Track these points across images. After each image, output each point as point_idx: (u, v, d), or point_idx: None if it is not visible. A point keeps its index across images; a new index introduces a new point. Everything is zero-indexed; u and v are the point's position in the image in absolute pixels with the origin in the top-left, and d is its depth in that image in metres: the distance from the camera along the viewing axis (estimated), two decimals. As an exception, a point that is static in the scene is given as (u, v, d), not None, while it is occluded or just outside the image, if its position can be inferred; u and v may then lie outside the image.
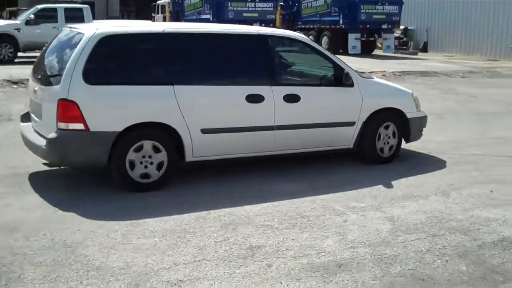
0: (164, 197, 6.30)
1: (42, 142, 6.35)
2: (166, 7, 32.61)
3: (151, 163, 6.45)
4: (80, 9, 21.59)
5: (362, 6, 27.21)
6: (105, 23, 7.66)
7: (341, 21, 27.55)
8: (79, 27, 7.06)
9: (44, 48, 7.47)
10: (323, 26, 28.75)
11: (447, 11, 31.10)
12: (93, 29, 6.51)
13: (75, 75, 6.13)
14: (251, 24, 25.08)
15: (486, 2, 28.58)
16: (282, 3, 32.27)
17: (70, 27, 7.20)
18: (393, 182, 7.06)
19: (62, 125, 6.15)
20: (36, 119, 6.82)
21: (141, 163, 6.40)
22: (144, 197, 6.24)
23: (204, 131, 6.69)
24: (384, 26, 27.55)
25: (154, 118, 6.46)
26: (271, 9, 25.87)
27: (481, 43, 29.03)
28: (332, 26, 28.12)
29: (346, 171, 7.64)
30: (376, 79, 8.74)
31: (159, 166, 6.49)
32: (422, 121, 8.45)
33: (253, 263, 4.64)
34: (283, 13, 32.80)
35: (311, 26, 30.62)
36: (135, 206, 5.96)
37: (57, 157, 6.35)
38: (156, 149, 6.46)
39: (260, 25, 25.19)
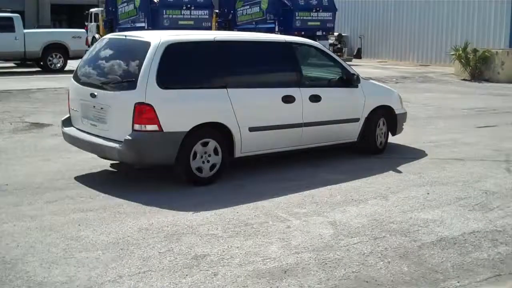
0: (104, 210, 6.20)
1: (114, 144, 6.83)
2: (100, 16, 32.13)
3: (208, 161, 7.14)
4: (10, 18, 21.07)
5: (297, 13, 27.52)
6: (160, 32, 8.35)
7: (276, 28, 27.77)
8: (138, 35, 7.66)
9: (89, 55, 7.86)
10: (259, 34, 28.90)
11: (379, 18, 31.82)
12: (157, 37, 7.08)
13: (150, 80, 6.71)
14: (187, 32, 25.11)
15: (416, 10, 29.38)
16: (217, 11, 32.34)
17: (125, 36, 7.79)
18: (332, 187, 7.18)
19: (138, 127, 6.70)
20: (94, 122, 7.21)
21: (201, 157, 7.06)
22: (83, 210, 6.13)
23: (251, 129, 7.45)
24: (319, 33, 27.90)
25: (213, 118, 7.19)
26: (207, 16, 25.82)
27: (412, 49, 29.82)
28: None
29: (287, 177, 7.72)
30: (372, 81, 9.95)
31: (212, 167, 7.19)
32: (404, 116, 9.72)
33: (199, 272, 4.62)
34: (219, 20, 32.86)
35: (247, 34, 30.76)
36: (74, 220, 5.84)
37: (134, 157, 6.86)
38: (216, 151, 7.17)
39: (196, 33, 25.28)
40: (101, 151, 7.23)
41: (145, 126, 6.70)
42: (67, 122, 7.86)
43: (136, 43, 7.31)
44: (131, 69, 6.92)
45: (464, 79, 21.45)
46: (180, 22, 24.96)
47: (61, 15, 52.50)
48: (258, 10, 29.90)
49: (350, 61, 30.33)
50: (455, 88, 19.34)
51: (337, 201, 6.61)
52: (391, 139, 9.55)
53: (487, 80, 21.13)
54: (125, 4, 28.02)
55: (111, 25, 29.68)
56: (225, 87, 7.29)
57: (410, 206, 6.48)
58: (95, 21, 32.77)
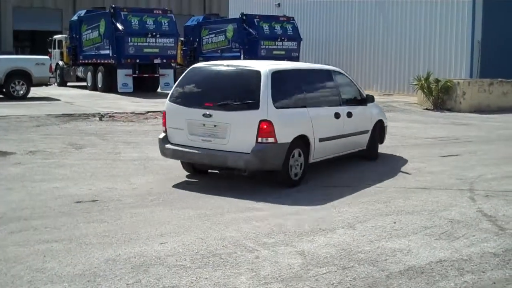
0: (69, 241, 6.09)
1: (240, 154, 8.41)
2: (63, 42, 31.89)
3: (299, 165, 8.95)
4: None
5: (262, 42, 27.83)
6: (260, 62, 10.20)
7: (242, 57, 27.94)
8: (243, 65, 9.35)
9: (188, 81, 9.21)
10: (226, 62, 29.02)
11: (343, 47, 32.24)
12: (262, 67, 8.85)
13: (269, 101, 8.43)
14: (152, 60, 25.12)
15: (379, 40, 29.87)
16: (182, 39, 32.44)
17: (228, 65, 9.28)
18: (300, 217, 7.18)
19: (261, 140, 8.37)
20: (207, 138, 8.68)
21: (296, 165, 8.88)
22: (48, 241, 6.02)
23: (320, 140, 9.32)
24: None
25: (303, 131, 8.97)
26: (172, 44, 25.83)
27: (376, 78, 30.25)
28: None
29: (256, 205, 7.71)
30: None
31: (300, 166, 8.98)
32: (387, 128, 12.06)
33: (168, 305, 4.56)
34: (184, 48, 32.98)
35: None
36: (39, 251, 5.72)
37: (258, 164, 8.47)
38: (299, 154, 8.91)
39: (162, 60, 25.30)
40: (223, 161, 8.57)
41: (266, 139, 8.38)
42: (165, 140, 9.15)
43: (246, 71, 9.00)
44: (249, 93, 8.56)
45: (427, 109, 21.81)
46: (145, 50, 24.93)
47: (23, 41, 52.04)
48: (224, 39, 30.13)
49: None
50: (418, 117, 19.64)
51: (305, 231, 6.62)
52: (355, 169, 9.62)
53: (449, 110, 21.53)
54: (90, 31, 27.91)
55: (75, 52, 29.51)
56: (305, 106, 9.21)
57: (377, 235, 6.52)
58: (58, 48, 32.46)
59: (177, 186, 8.74)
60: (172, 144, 9.02)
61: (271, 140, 8.37)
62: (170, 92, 9.40)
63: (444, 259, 5.77)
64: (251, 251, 5.88)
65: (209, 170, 9.54)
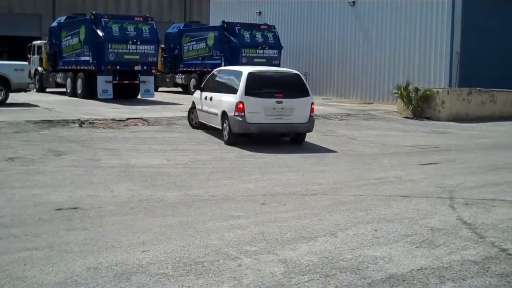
0: (50, 248, 6.04)
1: (303, 124, 14.10)
2: (43, 48, 31.65)
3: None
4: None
5: (243, 50, 27.89)
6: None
7: (223, 65, 27.93)
8: (287, 70, 15.84)
9: (260, 82, 14.14)
10: (204, 69, 29.03)
11: (324, 56, 32.41)
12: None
13: (311, 91, 14.72)
14: (132, 67, 25.00)
15: (359, 49, 30.07)
16: (163, 46, 32.38)
17: (276, 71, 15.84)
18: (282, 225, 7.19)
19: (311, 114, 14.16)
20: (279, 116, 13.80)
21: None
22: (28, 249, 5.96)
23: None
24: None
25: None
26: (153, 51, 25.70)
27: (356, 87, 30.42)
28: (209, 69, 28.39)
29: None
30: None
31: None
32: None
33: (150, 313, 4.54)
34: (164, 55, 32.93)
35: (193, 69, 30.92)
36: (20, 259, 5.67)
37: (311, 127, 14.34)
38: None
39: (142, 67, 25.20)
40: (293, 128, 14.20)
41: (313, 113, 14.19)
42: (245, 122, 13.58)
43: (292, 74, 14.75)
44: (300, 87, 14.17)
45: (406, 117, 21.97)
46: (126, 57, 24.78)
47: (1, 46, 51.58)
48: (205, 46, 30.14)
49: (295, 97, 30.84)
50: (398, 125, 19.78)
51: (287, 239, 6.63)
52: (337, 175, 9.64)
53: (429, 118, 21.71)
54: (70, 37, 27.71)
55: (54, 58, 29.27)
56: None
57: (359, 243, 6.55)
58: (38, 54, 32.21)
59: (157, 193, 8.70)
60: (251, 123, 13.51)
61: (312, 114, 14.18)
62: (243, 89, 13.57)
63: (425, 267, 5.81)
64: (233, 259, 5.87)
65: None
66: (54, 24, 30.60)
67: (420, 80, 25.77)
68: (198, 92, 16.50)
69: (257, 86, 13.70)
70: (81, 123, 16.25)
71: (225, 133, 14.03)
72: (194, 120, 16.65)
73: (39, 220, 7.07)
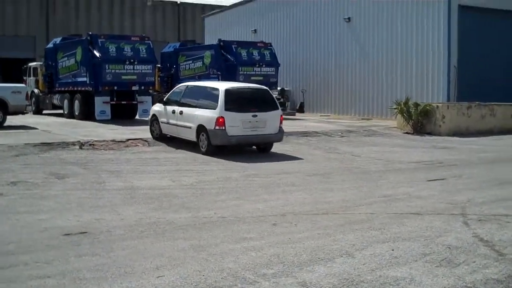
0: (62, 276, 5.86)
1: (275, 135, 15.51)
2: (39, 70, 31.52)
3: None
4: None
5: (240, 68, 27.82)
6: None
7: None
8: (257, 86, 16.87)
9: (236, 98, 15.20)
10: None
11: (321, 73, 32.40)
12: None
13: (279, 105, 16.57)
14: (130, 87, 24.89)
15: (356, 65, 30.09)
16: (159, 65, 32.30)
17: (248, 87, 16.84)
18: (296, 246, 7.04)
19: (280, 126, 15.46)
20: (254, 128, 15.06)
21: None
22: (40, 277, 5.77)
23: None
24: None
25: None
26: (150, 71, 25.59)
27: (354, 103, 30.39)
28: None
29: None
30: None
31: None
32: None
33: None
34: (161, 75, 32.82)
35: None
36: None
37: (280, 138, 15.78)
38: None
39: (140, 87, 25.10)
40: (266, 139, 15.53)
41: (281, 125, 15.47)
42: (226, 134, 14.68)
43: (262, 90, 15.95)
44: (270, 102, 15.60)
45: (407, 132, 21.88)
46: (123, 77, 24.67)
47: (-5, 68, 51.39)
48: (201, 65, 30.06)
49: (294, 115, 30.77)
50: (400, 141, 19.68)
51: (304, 260, 6.47)
52: (344, 193, 9.50)
53: (429, 133, 21.63)
54: (66, 58, 27.60)
55: (51, 79, 29.14)
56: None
57: (377, 263, 6.40)
58: (33, 75, 32.08)
59: (166, 216, 8.53)
60: (231, 136, 14.67)
61: (281, 125, 15.52)
62: (222, 105, 14.70)
63: (449, 287, 5.66)
64: (251, 283, 5.71)
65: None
66: (50, 45, 30.49)
67: (418, 95, 25.76)
68: (159, 105, 17.62)
69: (234, 102, 14.94)
70: (81, 145, 16.08)
71: (203, 144, 15.21)
72: (155, 132, 17.65)
73: (47, 246, 6.89)
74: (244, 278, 5.86)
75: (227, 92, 14.97)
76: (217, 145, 15.00)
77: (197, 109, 15.62)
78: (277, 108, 15.63)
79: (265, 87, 16.29)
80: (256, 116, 14.94)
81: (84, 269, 6.05)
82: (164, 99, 17.62)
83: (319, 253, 6.77)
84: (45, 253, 6.62)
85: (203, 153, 14.98)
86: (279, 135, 15.58)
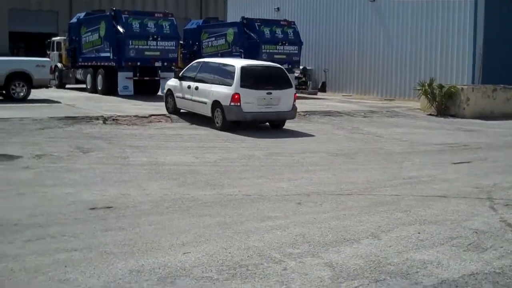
0: (89, 249, 5.90)
1: (288, 112, 15.87)
2: (62, 44, 31.60)
3: None
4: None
5: (263, 46, 27.64)
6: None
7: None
8: (273, 64, 17.26)
9: (251, 76, 15.60)
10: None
11: (344, 52, 32.11)
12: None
13: (294, 83, 17.49)
14: (153, 63, 24.91)
15: (380, 45, 29.78)
16: (182, 42, 32.21)
17: (263, 65, 17.28)
18: (321, 226, 7.01)
19: (294, 103, 15.91)
20: (269, 105, 15.38)
21: None
22: (67, 250, 5.81)
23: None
24: (285, 66, 27.95)
25: None
26: (173, 47, 25.55)
27: (376, 84, 30.12)
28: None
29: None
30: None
31: None
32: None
33: (201, 320, 4.38)
34: (183, 52, 32.75)
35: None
36: (60, 261, 5.52)
37: (294, 115, 16.18)
38: None
39: (163, 63, 25.10)
40: (280, 116, 15.89)
41: (295, 102, 15.81)
42: (241, 111, 15.12)
43: (278, 68, 16.32)
44: (285, 80, 15.92)
45: (430, 114, 21.66)
46: (146, 53, 24.69)
47: (18, 43, 51.67)
48: (224, 42, 29.92)
49: (315, 94, 30.60)
50: (423, 123, 19.49)
51: (330, 241, 6.45)
52: (369, 174, 9.44)
53: (453, 116, 21.39)
54: (89, 33, 27.63)
55: (74, 54, 29.22)
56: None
57: (404, 246, 6.35)
58: (57, 50, 32.18)
59: (190, 192, 8.54)
60: (246, 112, 15.05)
61: (295, 103, 15.88)
62: (237, 82, 15.04)
63: (477, 272, 5.62)
64: (277, 262, 5.70)
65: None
66: (74, 20, 30.52)
67: (442, 77, 25.40)
68: (175, 80, 18.05)
69: (249, 79, 15.27)
70: (105, 119, 16.14)
71: (217, 120, 15.54)
72: (169, 106, 18.17)
73: (74, 220, 6.93)
74: (270, 257, 5.85)
75: (243, 69, 15.30)
76: (232, 121, 15.32)
77: (213, 85, 15.91)
78: (291, 86, 16.03)
79: (279, 66, 16.66)
80: (270, 93, 15.24)
81: (110, 244, 6.07)
82: (180, 75, 17.96)
83: (345, 234, 6.74)
84: (72, 226, 6.66)
85: (218, 128, 15.38)
86: (292, 112, 15.90)
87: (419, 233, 6.86)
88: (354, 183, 9.63)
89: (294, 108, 15.88)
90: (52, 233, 6.38)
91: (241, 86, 15.03)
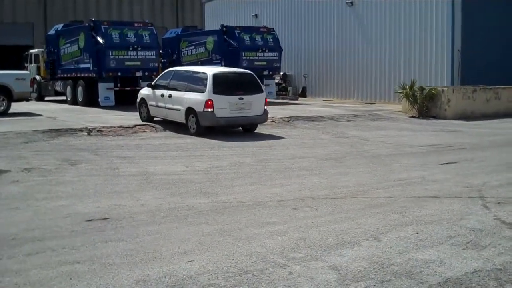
0: (91, 261, 5.86)
1: (260, 116, 16.36)
2: (40, 57, 31.38)
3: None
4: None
5: (243, 53, 27.69)
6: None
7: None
8: (242, 70, 17.89)
9: (223, 82, 16.09)
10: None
11: (323, 57, 32.29)
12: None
13: (263, 88, 17.18)
14: (134, 73, 24.80)
15: (359, 49, 29.99)
16: (161, 51, 32.13)
17: (234, 71, 17.52)
18: (320, 230, 7.03)
19: (265, 107, 16.45)
20: (241, 110, 15.85)
21: None
22: (69, 263, 5.77)
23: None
24: (265, 73, 28.12)
25: None
26: (154, 57, 25.51)
27: (356, 87, 30.32)
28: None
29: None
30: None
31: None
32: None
33: (214, 327, 4.37)
34: (163, 61, 32.67)
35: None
36: (64, 274, 5.47)
37: (265, 119, 16.65)
38: None
39: (143, 73, 25.00)
40: (252, 120, 16.38)
41: (266, 106, 16.29)
42: (214, 116, 15.56)
43: (248, 74, 16.85)
44: (256, 85, 16.40)
45: (412, 116, 21.87)
46: (127, 63, 24.61)
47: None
48: (204, 51, 29.95)
49: (296, 99, 30.71)
50: (407, 125, 19.66)
51: (330, 244, 6.47)
52: (359, 177, 9.49)
53: (435, 117, 21.61)
54: (68, 45, 27.48)
55: (53, 66, 29.03)
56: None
57: (404, 246, 6.40)
58: (35, 62, 31.95)
59: (185, 201, 8.52)
60: (219, 117, 15.49)
61: (265, 107, 16.39)
62: (210, 89, 15.50)
63: (479, 269, 5.68)
64: (282, 267, 5.71)
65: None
66: (52, 32, 30.35)
67: (421, 79, 25.65)
68: (148, 89, 18.40)
69: (221, 85, 15.81)
70: (89, 131, 16.04)
71: (192, 126, 16.06)
72: (143, 114, 18.47)
73: (72, 232, 6.88)
74: (274, 262, 5.86)
75: (215, 76, 15.81)
76: (205, 126, 15.85)
77: (186, 92, 16.38)
78: (262, 91, 16.55)
79: (250, 72, 17.23)
80: (242, 98, 15.81)
81: (112, 255, 6.04)
82: (153, 83, 18.27)
83: (345, 236, 6.77)
84: (70, 239, 6.61)
85: (192, 134, 15.90)
86: (264, 116, 16.48)
87: (417, 233, 6.91)
88: (346, 186, 9.69)
89: (265, 112, 16.43)
90: (52, 246, 6.32)
91: (214, 92, 15.52)
